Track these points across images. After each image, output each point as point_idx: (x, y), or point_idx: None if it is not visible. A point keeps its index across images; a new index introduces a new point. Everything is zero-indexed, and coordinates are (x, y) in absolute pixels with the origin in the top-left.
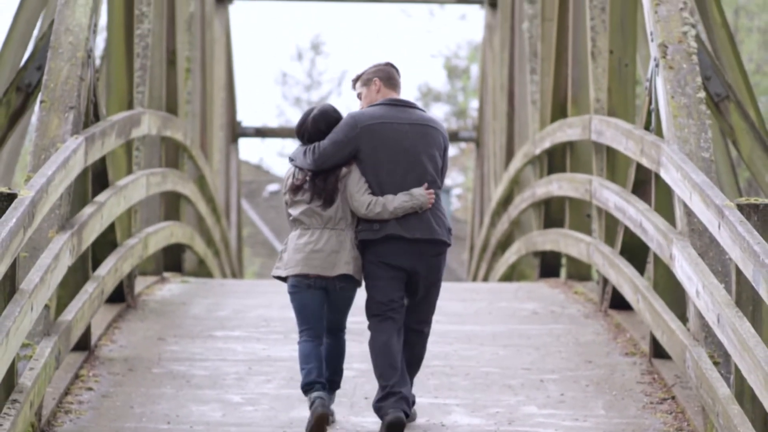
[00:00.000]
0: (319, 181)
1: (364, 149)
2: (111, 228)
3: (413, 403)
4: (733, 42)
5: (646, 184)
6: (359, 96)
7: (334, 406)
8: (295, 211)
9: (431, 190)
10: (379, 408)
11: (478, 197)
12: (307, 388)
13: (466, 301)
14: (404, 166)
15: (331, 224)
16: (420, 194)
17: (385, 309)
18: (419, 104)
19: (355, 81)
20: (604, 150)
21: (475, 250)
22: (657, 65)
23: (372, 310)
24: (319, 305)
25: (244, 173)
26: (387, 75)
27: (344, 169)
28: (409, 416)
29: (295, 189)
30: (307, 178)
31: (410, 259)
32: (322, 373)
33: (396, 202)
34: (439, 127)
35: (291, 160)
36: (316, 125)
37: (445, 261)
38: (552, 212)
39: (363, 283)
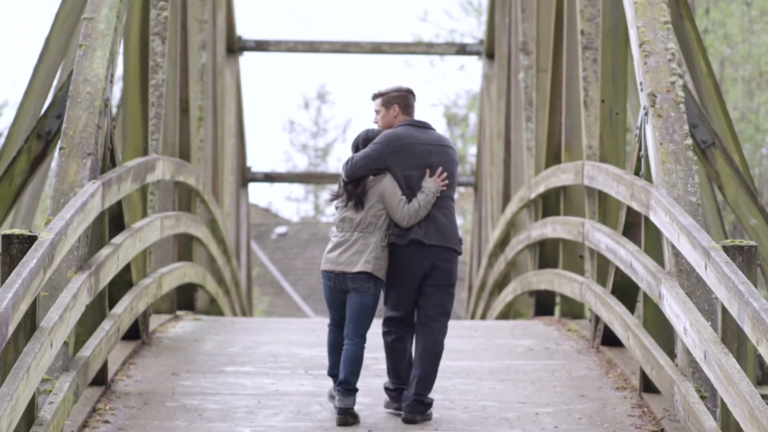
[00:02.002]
0: (352, 187)
1: (394, 165)
2: (127, 268)
3: (430, 405)
4: (719, 91)
5: (636, 227)
6: (377, 112)
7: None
8: (335, 218)
9: (437, 174)
10: (389, 396)
11: (476, 239)
12: (332, 376)
13: (464, 338)
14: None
15: (360, 228)
16: (430, 184)
17: (399, 311)
18: None
19: (375, 96)
20: (596, 194)
21: (473, 289)
22: (646, 113)
23: (387, 309)
24: (342, 302)
25: (254, 216)
26: (406, 103)
27: (371, 177)
28: (423, 413)
29: (336, 196)
30: (342, 187)
31: (426, 263)
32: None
33: (421, 201)
34: (452, 146)
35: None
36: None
37: (457, 265)
38: (546, 253)
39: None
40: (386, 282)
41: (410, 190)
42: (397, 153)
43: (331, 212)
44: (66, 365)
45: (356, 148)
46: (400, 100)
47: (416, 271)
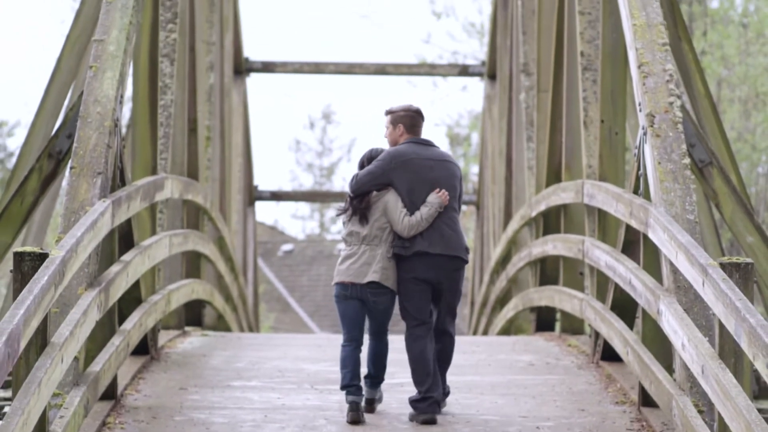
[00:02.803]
0: (357, 202)
1: (397, 180)
2: (136, 285)
3: (447, 394)
4: (716, 112)
5: (634, 244)
6: (386, 128)
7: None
8: (343, 233)
9: (442, 192)
10: (415, 407)
11: (479, 256)
12: (344, 389)
13: (467, 353)
14: (430, 192)
15: (366, 241)
16: (433, 198)
17: (419, 319)
18: None
19: (387, 113)
20: (596, 212)
21: (475, 305)
22: (645, 133)
23: (407, 319)
24: (356, 314)
25: (260, 234)
26: (411, 122)
27: (375, 193)
28: (440, 407)
29: (343, 211)
30: (348, 202)
31: (434, 272)
32: (357, 376)
33: (423, 214)
34: (455, 161)
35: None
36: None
37: (464, 274)
38: (547, 270)
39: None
40: (399, 293)
41: (413, 203)
42: (399, 168)
43: (336, 230)
44: (76, 380)
45: (362, 165)
46: (406, 119)
47: (426, 279)
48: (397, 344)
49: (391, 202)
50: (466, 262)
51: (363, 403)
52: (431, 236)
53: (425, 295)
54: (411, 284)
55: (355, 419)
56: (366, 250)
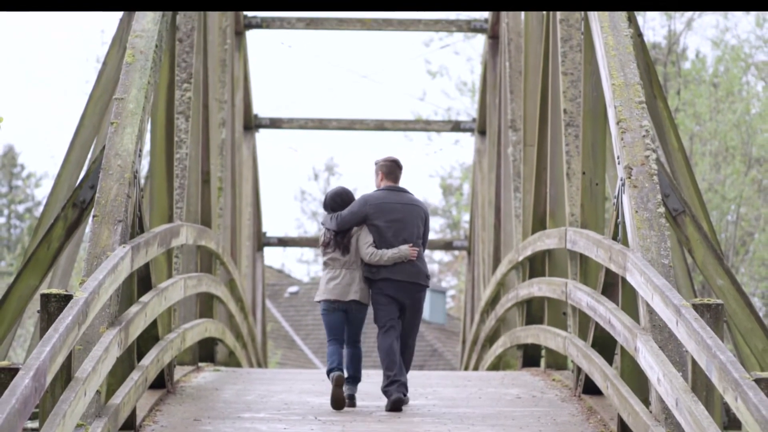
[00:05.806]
0: (340, 238)
1: (371, 219)
2: (153, 324)
3: (406, 391)
4: (689, 164)
5: (614, 287)
6: (375, 175)
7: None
8: (325, 258)
9: (413, 247)
10: (386, 392)
11: (469, 298)
12: (329, 370)
13: (459, 387)
14: (397, 230)
15: (347, 266)
16: (404, 249)
17: (388, 322)
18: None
19: (375, 163)
20: (578, 257)
21: (466, 343)
22: (623, 184)
23: (379, 323)
24: (340, 322)
25: (268, 277)
26: (388, 170)
27: (355, 229)
28: (405, 398)
29: (326, 244)
30: (332, 236)
31: (399, 293)
32: (342, 362)
33: (389, 254)
34: (421, 205)
35: (323, 224)
36: (333, 200)
37: (425, 297)
38: (533, 311)
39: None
40: (373, 306)
41: (381, 238)
42: (372, 209)
43: None
44: (98, 412)
45: (324, 203)
46: (384, 168)
47: (392, 297)
48: (375, 378)
49: (362, 234)
50: (427, 286)
51: (346, 393)
52: (393, 266)
53: (392, 307)
54: (381, 298)
55: (339, 395)
56: (347, 273)
